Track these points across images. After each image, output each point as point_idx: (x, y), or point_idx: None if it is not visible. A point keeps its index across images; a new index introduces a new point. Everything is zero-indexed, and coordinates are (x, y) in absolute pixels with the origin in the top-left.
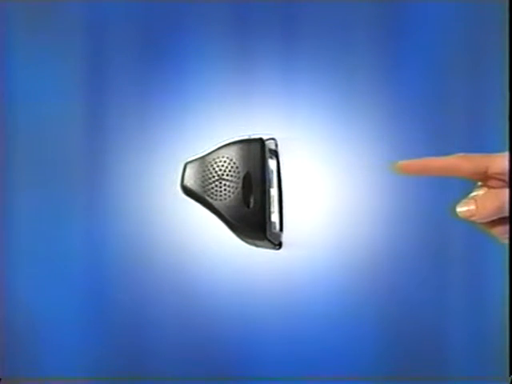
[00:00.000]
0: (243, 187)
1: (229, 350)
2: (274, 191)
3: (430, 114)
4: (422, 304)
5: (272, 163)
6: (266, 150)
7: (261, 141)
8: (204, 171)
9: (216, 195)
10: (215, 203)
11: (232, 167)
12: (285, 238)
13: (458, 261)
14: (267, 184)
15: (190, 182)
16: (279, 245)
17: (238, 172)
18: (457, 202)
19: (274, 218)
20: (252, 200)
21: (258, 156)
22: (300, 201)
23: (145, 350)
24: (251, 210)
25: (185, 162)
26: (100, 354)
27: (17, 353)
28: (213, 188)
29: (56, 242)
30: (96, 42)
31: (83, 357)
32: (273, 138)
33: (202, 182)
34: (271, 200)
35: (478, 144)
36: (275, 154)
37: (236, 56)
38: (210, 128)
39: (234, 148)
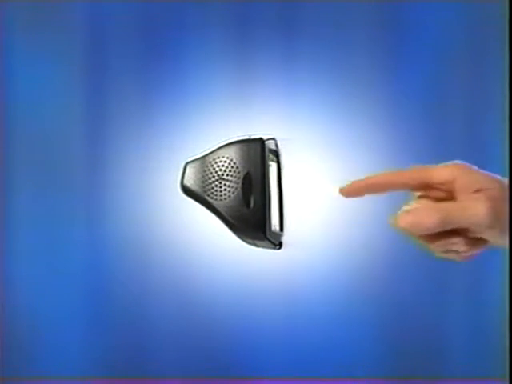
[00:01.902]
0: (243, 187)
1: (229, 350)
2: (274, 191)
3: (430, 113)
4: (421, 304)
5: (272, 163)
6: (266, 150)
7: (261, 141)
8: (204, 171)
9: (216, 195)
10: (215, 203)
11: (232, 167)
12: (285, 238)
13: (458, 262)
14: (267, 184)
15: (189, 182)
16: (279, 245)
17: (238, 172)
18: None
19: (275, 218)
20: (252, 200)
21: (258, 156)
22: (300, 201)
23: (145, 350)
24: (251, 209)
25: (185, 162)
26: (100, 354)
27: (17, 353)
28: (213, 188)
29: (56, 242)
30: (96, 42)
31: (83, 357)
32: (273, 138)
33: (202, 182)
34: (271, 200)
35: (478, 144)
36: (275, 153)
37: (237, 57)
38: (211, 128)
39: (234, 148)
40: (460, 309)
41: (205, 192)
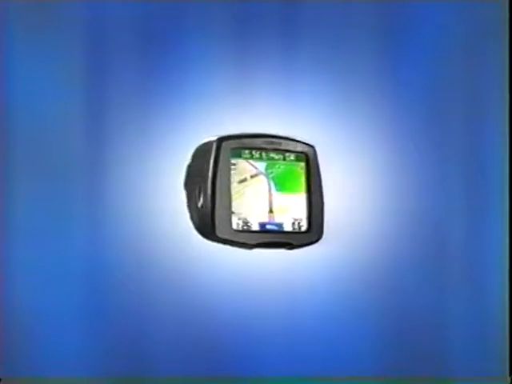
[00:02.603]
0: (199, 187)
1: (230, 351)
2: (238, 190)
3: (430, 113)
4: (422, 304)
5: (243, 162)
6: (225, 150)
7: (218, 141)
8: (189, 171)
9: (189, 195)
10: (188, 203)
11: (197, 167)
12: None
13: (458, 261)
14: (218, 184)
15: (184, 182)
16: (265, 245)
17: (198, 171)
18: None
19: (260, 216)
20: (202, 200)
21: (209, 156)
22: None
23: (145, 351)
24: (202, 210)
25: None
26: (100, 355)
27: (17, 353)
28: (188, 187)
29: (55, 242)
30: (96, 41)
31: (83, 357)
32: (260, 135)
33: (187, 182)
34: (230, 199)
35: (478, 144)
36: (280, 152)
37: (237, 56)
38: (212, 128)
39: (202, 148)
40: (461, 309)
41: (186, 192)
